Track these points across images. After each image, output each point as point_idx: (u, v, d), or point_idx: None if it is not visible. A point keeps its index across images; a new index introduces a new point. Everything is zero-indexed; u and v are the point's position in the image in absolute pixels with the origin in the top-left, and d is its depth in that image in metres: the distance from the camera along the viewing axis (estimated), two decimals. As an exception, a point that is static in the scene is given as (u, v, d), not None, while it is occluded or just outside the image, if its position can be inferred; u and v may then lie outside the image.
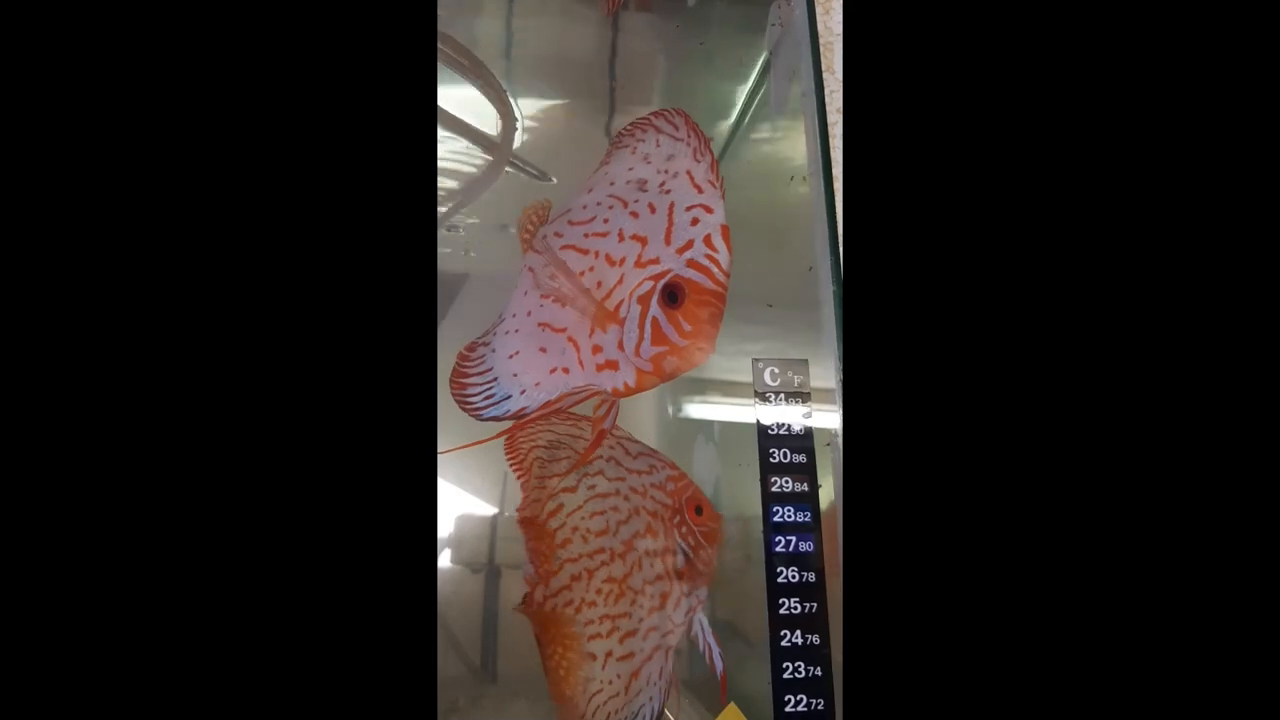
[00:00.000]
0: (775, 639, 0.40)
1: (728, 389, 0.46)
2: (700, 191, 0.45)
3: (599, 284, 0.44)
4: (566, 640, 0.41)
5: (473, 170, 0.52)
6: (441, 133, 0.51)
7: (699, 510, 0.44)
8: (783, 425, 0.43)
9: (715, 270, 0.42)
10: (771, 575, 0.41)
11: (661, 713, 0.41)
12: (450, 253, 0.49)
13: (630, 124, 0.50)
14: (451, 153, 0.52)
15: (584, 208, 0.47)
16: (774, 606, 0.40)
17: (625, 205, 0.46)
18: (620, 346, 0.42)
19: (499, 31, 0.56)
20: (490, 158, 0.52)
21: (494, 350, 0.45)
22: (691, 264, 0.43)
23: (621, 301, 0.43)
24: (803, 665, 0.40)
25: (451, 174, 0.51)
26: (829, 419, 0.45)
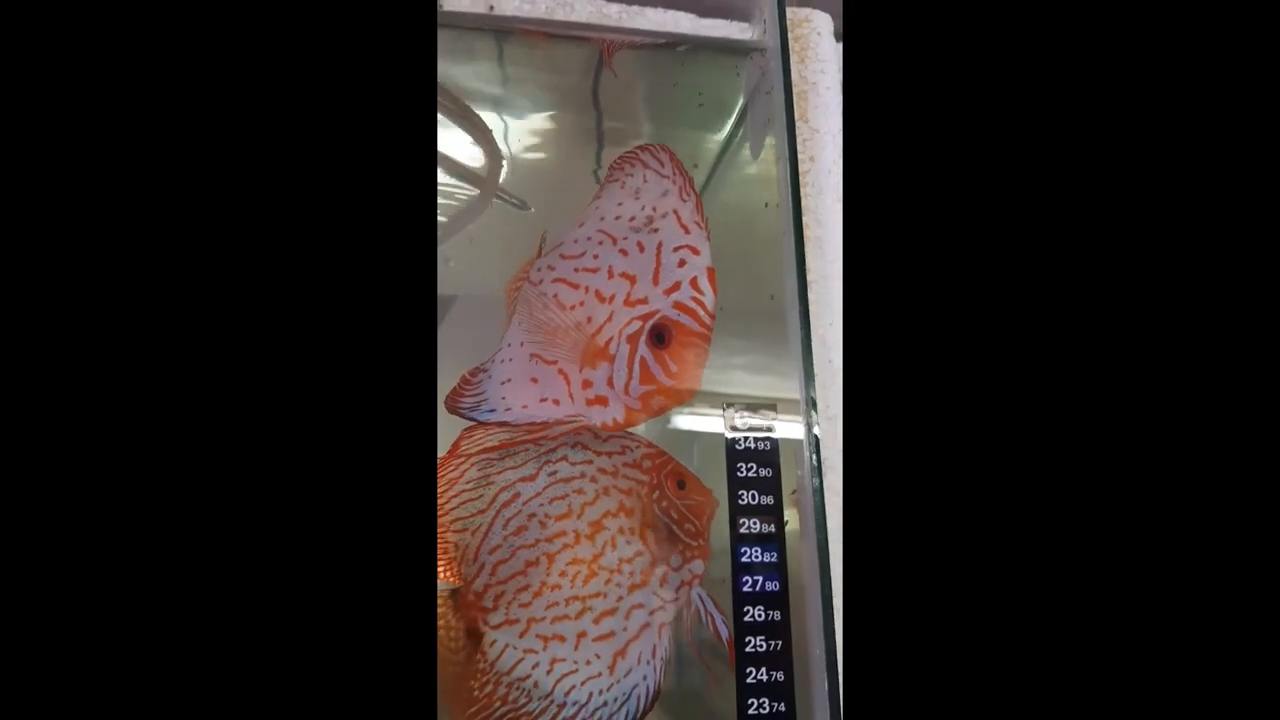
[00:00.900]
0: (741, 675, 0.42)
1: (703, 398, 0.47)
2: (687, 232, 0.47)
3: (589, 319, 0.45)
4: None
5: (458, 203, 0.53)
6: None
7: (681, 485, 0.45)
8: (750, 468, 0.46)
9: (701, 313, 0.45)
10: (739, 614, 0.43)
11: (659, 691, 0.42)
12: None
13: (619, 158, 0.52)
14: (440, 186, 0.53)
15: (575, 242, 0.48)
16: (741, 644, 0.43)
17: (615, 242, 0.47)
18: (610, 383, 0.44)
19: (492, 72, 0.58)
20: (477, 191, 0.53)
21: (490, 376, 0.46)
22: (678, 306, 0.45)
23: (611, 339, 0.44)
24: (767, 701, 0.42)
25: (440, 207, 0.53)
26: (794, 429, 0.47)
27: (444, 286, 0.48)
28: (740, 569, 0.44)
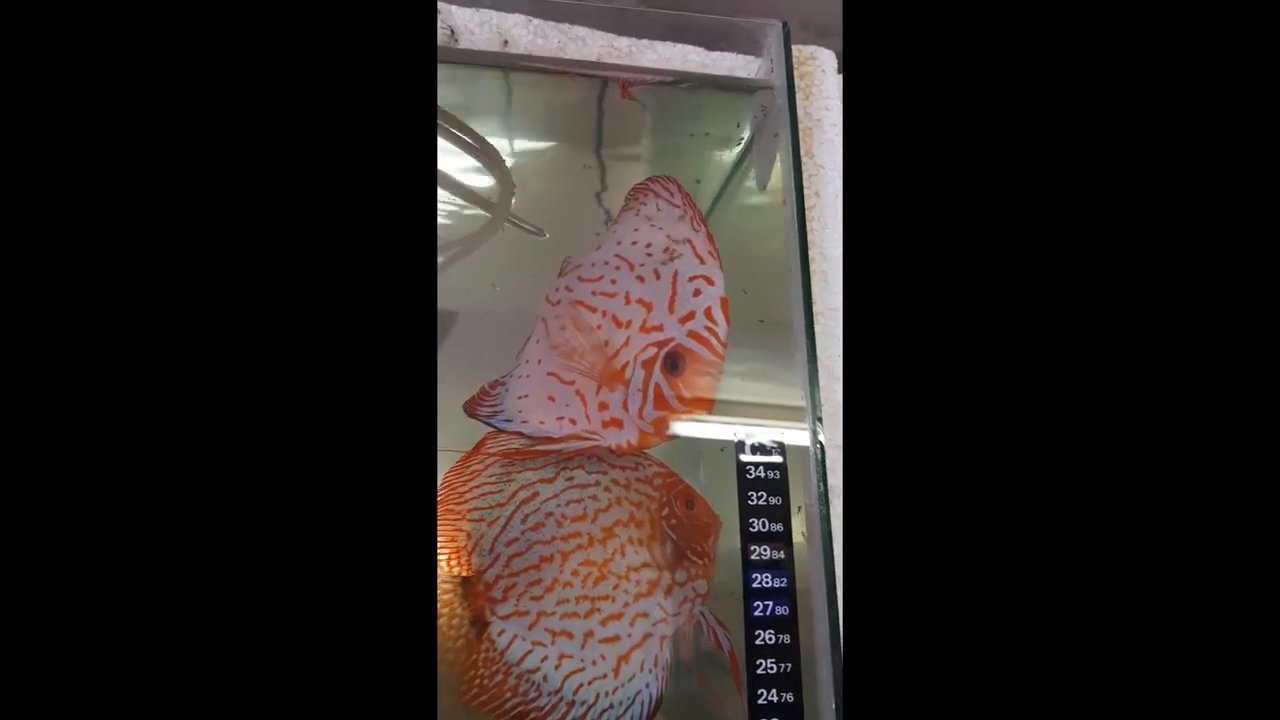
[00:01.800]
0: (753, 697, 0.43)
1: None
2: (702, 262, 0.48)
3: (606, 343, 0.46)
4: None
5: (470, 229, 0.54)
6: (445, 194, 0.54)
7: (690, 505, 0.46)
8: (760, 496, 0.47)
9: (714, 342, 0.46)
10: (750, 638, 0.44)
11: (661, 699, 0.43)
12: (444, 297, 0.51)
13: (635, 187, 0.53)
14: (452, 211, 0.54)
15: (593, 265, 0.49)
16: (752, 667, 0.43)
17: (632, 268, 0.48)
18: (625, 407, 0.45)
19: (499, 100, 0.59)
20: (489, 215, 0.54)
21: (508, 390, 0.47)
22: (692, 334, 0.46)
23: (627, 363, 0.45)
24: (778, 720, 0.43)
25: (452, 229, 0.54)
26: (800, 436, 0.49)
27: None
28: (751, 594, 0.45)
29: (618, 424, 0.45)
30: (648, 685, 0.43)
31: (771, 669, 0.44)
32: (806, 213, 0.59)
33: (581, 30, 0.64)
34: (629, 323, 0.46)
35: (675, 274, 0.47)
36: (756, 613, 0.44)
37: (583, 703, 0.42)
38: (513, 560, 0.45)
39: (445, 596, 0.45)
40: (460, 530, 0.45)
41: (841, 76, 0.69)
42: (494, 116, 0.58)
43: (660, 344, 0.46)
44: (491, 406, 0.47)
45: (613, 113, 0.60)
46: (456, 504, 0.46)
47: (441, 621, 0.44)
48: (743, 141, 0.61)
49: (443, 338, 0.49)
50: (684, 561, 0.45)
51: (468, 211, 0.54)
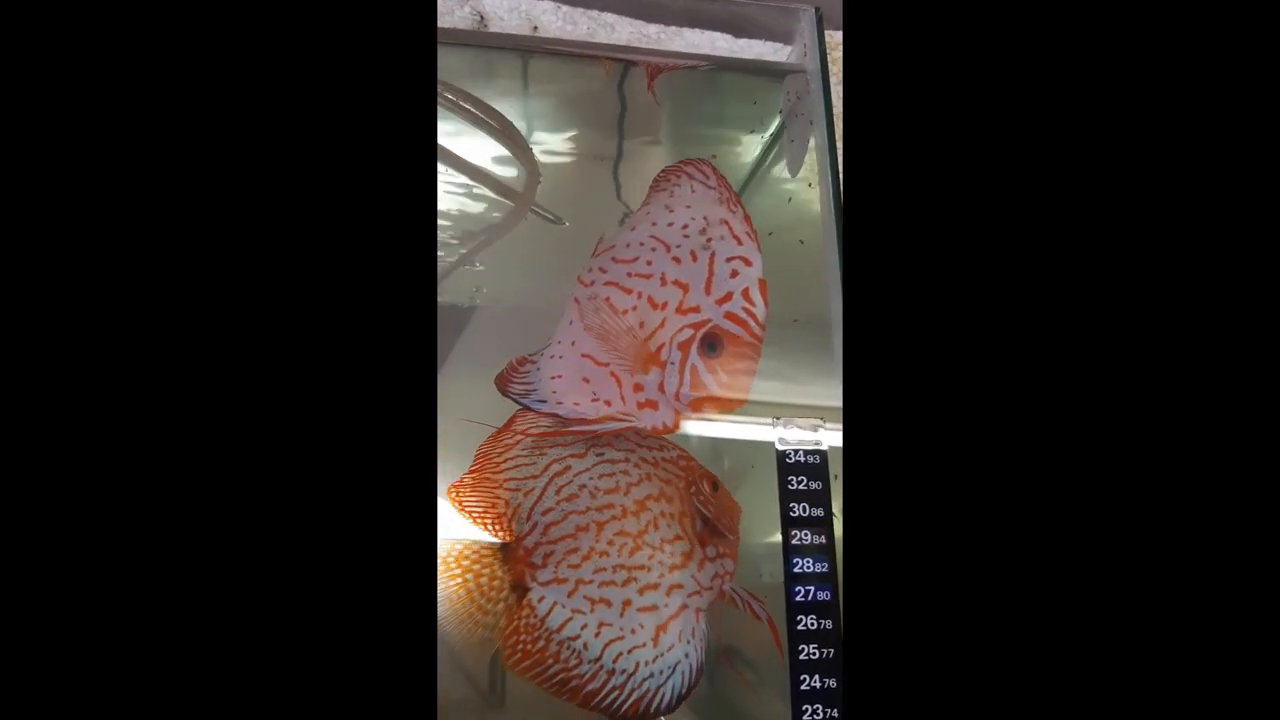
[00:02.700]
0: (796, 683, 0.42)
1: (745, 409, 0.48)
2: (740, 243, 0.47)
3: (642, 324, 0.45)
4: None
5: (495, 216, 0.54)
6: (468, 181, 0.54)
7: (715, 487, 0.46)
8: (801, 480, 0.46)
9: (752, 324, 0.45)
10: (792, 623, 0.43)
11: (701, 670, 0.42)
12: (465, 287, 0.51)
13: (665, 170, 0.52)
14: (474, 198, 0.54)
15: (627, 245, 0.48)
16: (795, 652, 0.43)
17: (668, 249, 0.47)
18: (661, 388, 0.44)
19: (516, 88, 0.59)
20: (512, 204, 0.54)
21: (539, 368, 0.46)
22: (730, 316, 0.45)
23: (663, 345, 0.45)
24: (821, 707, 0.42)
25: (476, 218, 0.53)
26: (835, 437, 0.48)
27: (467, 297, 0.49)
28: (792, 579, 0.44)
29: (653, 405, 0.44)
30: (687, 655, 0.42)
31: (814, 654, 0.43)
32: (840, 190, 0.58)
33: (610, 16, 0.64)
34: (665, 304, 0.46)
35: (713, 255, 0.47)
36: (798, 597, 0.44)
37: (623, 671, 0.42)
38: (550, 529, 0.44)
39: (486, 559, 0.44)
40: (499, 498, 0.45)
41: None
42: (516, 101, 0.58)
43: (697, 325, 0.45)
44: (524, 384, 0.46)
45: (634, 100, 0.59)
46: (494, 473, 0.45)
47: (482, 583, 0.44)
48: (772, 128, 0.60)
49: (460, 327, 0.49)
50: (715, 538, 0.45)
51: (479, 201, 0.54)
